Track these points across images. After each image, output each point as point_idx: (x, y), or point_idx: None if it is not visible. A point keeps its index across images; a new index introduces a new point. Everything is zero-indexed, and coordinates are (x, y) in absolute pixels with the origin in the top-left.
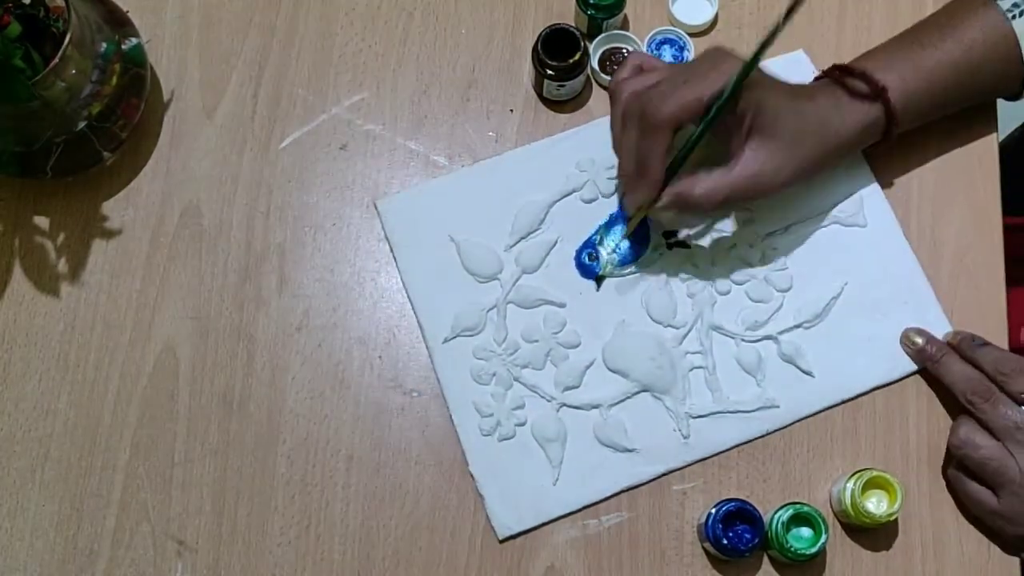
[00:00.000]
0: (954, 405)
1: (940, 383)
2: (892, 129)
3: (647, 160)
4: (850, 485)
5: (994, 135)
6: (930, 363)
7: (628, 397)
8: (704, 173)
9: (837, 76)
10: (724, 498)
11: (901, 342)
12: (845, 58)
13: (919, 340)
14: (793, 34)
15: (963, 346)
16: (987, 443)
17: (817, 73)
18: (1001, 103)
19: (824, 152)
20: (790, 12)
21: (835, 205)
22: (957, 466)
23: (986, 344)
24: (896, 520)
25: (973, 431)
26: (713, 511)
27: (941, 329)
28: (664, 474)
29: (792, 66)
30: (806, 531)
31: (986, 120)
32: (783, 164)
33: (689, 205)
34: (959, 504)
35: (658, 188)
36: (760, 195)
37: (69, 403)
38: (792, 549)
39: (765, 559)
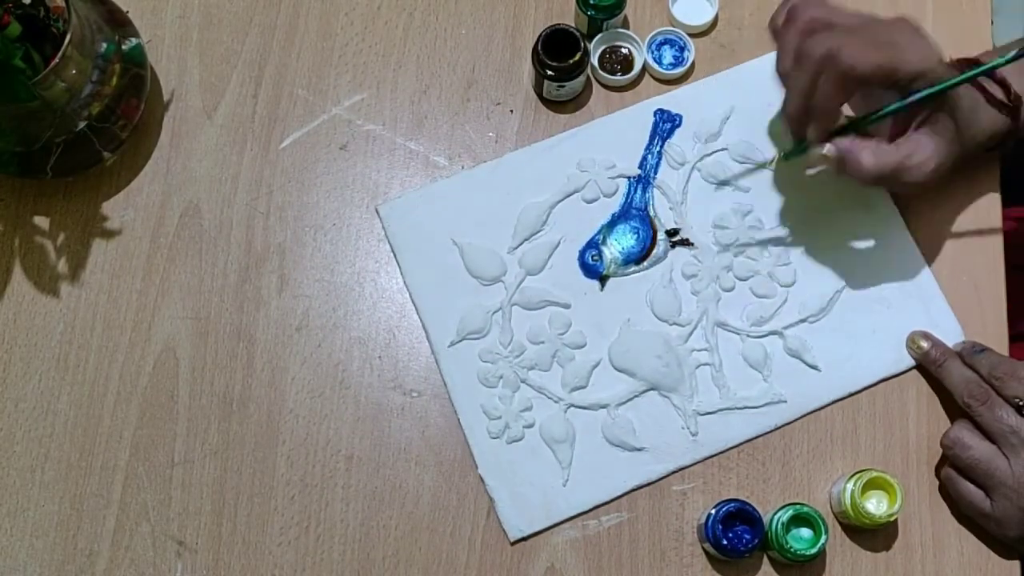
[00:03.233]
0: (954, 406)
1: (942, 386)
2: (1008, 141)
3: (823, 105)
4: (850, 486)
5: None
6: (933, 367)
7: (635, 396)
8: (873, 142)
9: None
10: (724, 498)
11: (907, 345)
12: None
13: (924, 344)
14: None
15: (963, 353)
16: (977, 444)
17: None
18: None
19: (964, 154)
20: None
21: (837, 199)
22: (951, 466)
23: (985, 350)
24: (896, 521)
25: (964, 431)
26: (713, 512)
27: (946, 320)
28: (674, 472)
29: None
30: (806, 532)
31: None
32: (944, 160)
33: (851, 168)
34: (951, 504)
35: (825, 135)
36: (915, 184)
37: (69, 403)
38: (792, 550)
39: (765, 560)
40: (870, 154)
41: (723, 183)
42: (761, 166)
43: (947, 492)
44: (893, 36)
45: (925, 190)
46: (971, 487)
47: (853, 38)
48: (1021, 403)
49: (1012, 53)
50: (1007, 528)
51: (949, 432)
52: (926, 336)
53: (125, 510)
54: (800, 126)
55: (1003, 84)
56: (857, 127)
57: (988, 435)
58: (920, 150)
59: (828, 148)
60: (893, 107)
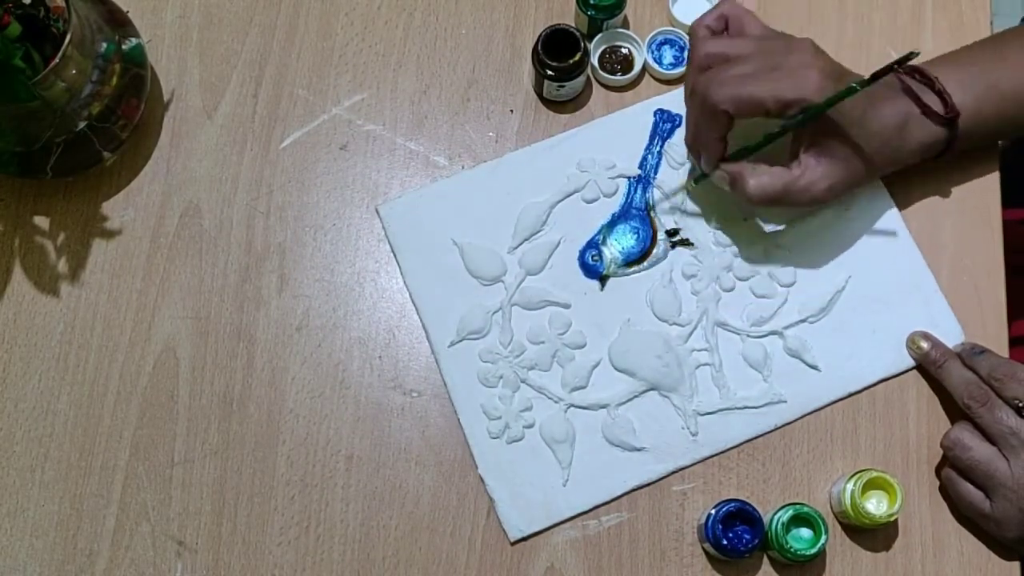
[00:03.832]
0: (954, 407)
1: (942, 386)
2: (948, 153)
3: (703, 138)
4: (850, 486)
5: None
6: (933, 368)
7: (635, 396)
8: (764, 166)
9: (913, 82)
10: (724, 498)
11: (907, 346)
12: (845, 51)
13: (924, 345)
14: (792, 30)
15: (963, 355)
16: (977, 445)
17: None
18: None
19: (879, 167)
20: (903, 60)
21: (838, 200)
22: (951, 467)
23: (985, 351)
24: (896, 521)
25: (965, 433)
26: (713, 512)
27: (946, 320)
28: (674, 472)
29: None
30: (806, 532)
31: None
32: (837, 181)
33: (739, 191)
34: (951, 504)
35: (713, 165)
36: (805, 205)
37: (69, 403)
38: (792, 550)
39: (765, 560)
40: (755, 179)
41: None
42: (683, 189)
43: (947, 492)
44: (782, 63)
45: (825, 205)
46: (971, 488)
47: (727, 73)
48: (1021, 404)
49: (862, 79)
50: (1006, 529)
51: (949, 433)
52: (926, 336)
53: (125, 510)
54: (695, 155)
55: (941, 96)
56: (746, 154)
57: (988, 436)
58: (807, 173)
59: (719, 173)
60: (753, 145)
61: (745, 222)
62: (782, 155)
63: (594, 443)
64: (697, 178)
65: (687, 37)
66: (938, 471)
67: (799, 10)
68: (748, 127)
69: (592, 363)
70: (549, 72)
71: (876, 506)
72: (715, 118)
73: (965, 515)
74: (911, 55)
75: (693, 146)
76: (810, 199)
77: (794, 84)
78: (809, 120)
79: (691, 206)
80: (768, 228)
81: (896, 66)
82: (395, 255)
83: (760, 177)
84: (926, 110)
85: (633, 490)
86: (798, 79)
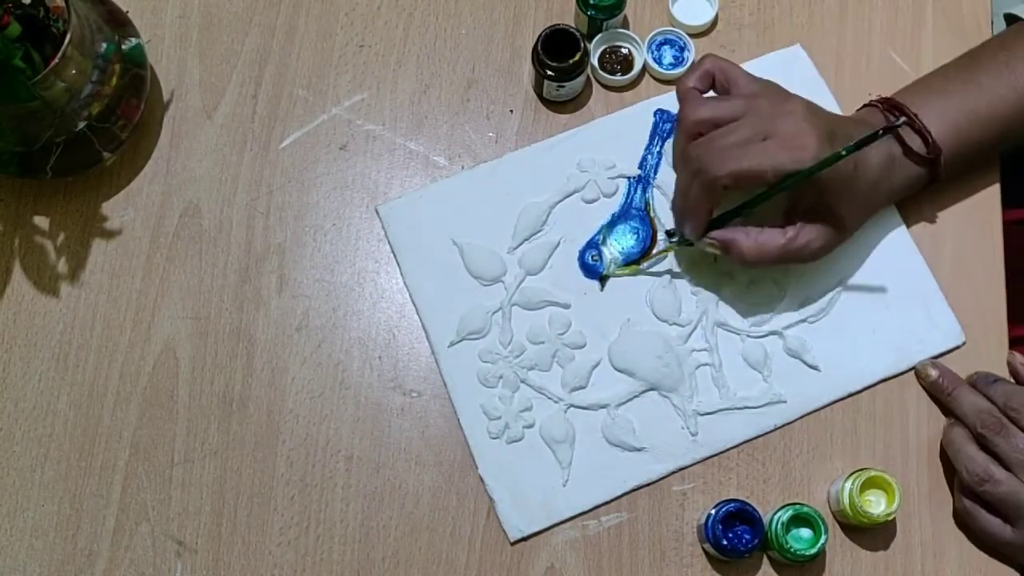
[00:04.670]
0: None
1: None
2: (933, 184)
3: (694, 206)
4: (848, 485)
5: None
6: (943, 396)
7: (635, 396)
8: (756, 229)
9: (894, 119)
10: (724, 499)
11: (916, 375)
12: (845, 55)
13: (933, 373)
14: (792, 30)
15: (978, 384)
16: (1005, 477)
17: (870, 99)
18: None
19: (870, 212)
20: (890, 129)
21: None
22: (970, 498)
23: (998, 379)
24: (895, 520)
25: (992, 467)
26: (713, 512)
27: (946, 320)
28: (674, 472)
29: (789, 61)
30: (806, 532)
31: None
32: (833, 239)
33: (734, 255)
34: (970, 535)
35: (702, 230)
36: (806, 262)
37: (69, 403)
38: (792, 550)
39: (765, 560)
40: (751, 243)
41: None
42: (667, 251)
43: (964, 524)
44: (777, 130)
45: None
46: (992, 518)
47: (722, 142)
48: None
49: (849, 145)
50: None
51: (975, 469)
52: (935, 365)
53: (125, 510)
54: (682, 221)
55: (922, 135)
56: (730, 218)
57: (1004, 464)
58: (803, 234)
59: (708, 242)
60: (754, 200)
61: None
62: (767, 214)
63: (594, 443)
64: (679, 242)
65: (687, 37)
66: (954, 508)
67: (799, 13)
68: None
69: (592, 363)
70: (549, 72)
71: (874, 505)
72: (711, 190)
73: (988, 544)
74: (897, 125)
75: (682, 214)
76: (808, 257)
77: (792, 155)
78: (797, 184)
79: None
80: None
81: (882, 132)
82: (395, 255)
83: (755, 241)
84: (907, 150)
85: (633, 490)
86: (796, 149)
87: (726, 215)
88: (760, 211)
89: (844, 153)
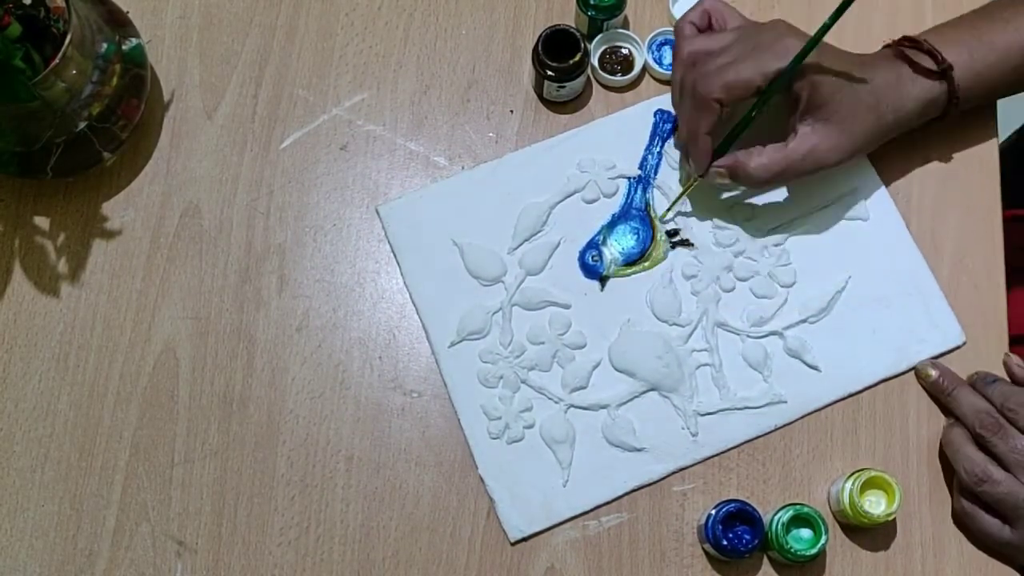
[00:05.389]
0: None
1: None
2: (952, 108)
3: (695, 132)
4: (848, 485)
5: (994, 137)
6: (943, 396)
7: (635, 396)
8: (759, 147)
9: (904, 48)
10: (724, 499)
11: (916, 375)
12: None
13: (933, 373)
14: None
15: (976, 384)
16: (1003, 478)
17: (885, 42)
18: (1001, 107)
19: (879, 128)
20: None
21: (837, 199)
22: (969, 498)
23: (996, 380)
24: (895, 520)
25: (990, 467)
26: (713, 512)
27: (946, 320)
28: (674, 472)
29: None
30: (806, 532)
31: (986, 122)
32: (837, 143)
33: (742, 178)
34: (968, 535)
35: (707, 158)
36: (813, 171)
37: (69, 403)
38: (792, 550)
39: (765, 560)
40: (756, 161)
41: (651, 207)
42: (684, 192)
43: (962, 524)
44: (753, 46)
45: (842, 166)
46: (990, 519)
47: (712, 63)
48: None
49: (835, 10)
50: None
51: (974, 470)
52: (935, 365)
53: (125, 510)
54: (688, 155)
55: (931, 54)
56: (729, 143)
57: (1003, 464)
58: (805, 141)
59: (714, 171)
60: (747, 114)
61: (747, 223)
62: (775, 138)
63: (594, 443)
64: (693, 182)
65: None
66: (952, 509)
67: (799, 13)
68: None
69: (592, 363)
70: (549, 72)
71: (874, 505)
72: (707, 109)
73: (987, 544)
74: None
75: (687, 143)
76: (814, 166)
77: (774, 55)
78: (786, 83)
79: (691, 206)
80: (770, 225)
81: (845, 4)
82: (395, 256)
83: (760, 158)
84: (917, 68)
85: (633, 490)
86: (777, 50)
87: (728, 139)
88: (767, 136)
89: (828, 22)
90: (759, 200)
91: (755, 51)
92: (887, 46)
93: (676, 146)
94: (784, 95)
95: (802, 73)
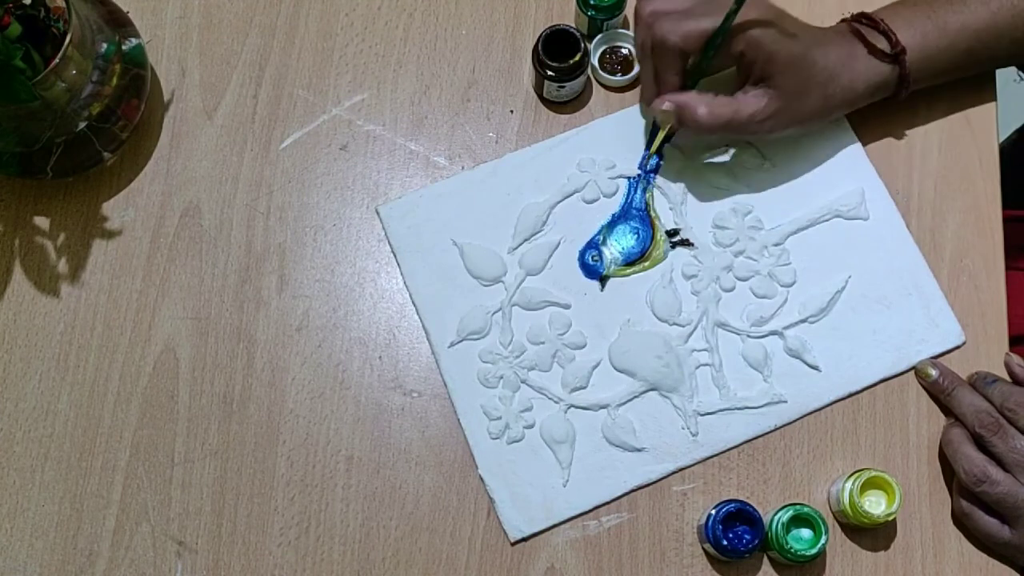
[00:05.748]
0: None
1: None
2: (902, 90)
3: (662, 76)
4: (848, 485)
5: (994, 136)
6: (942, 395)
7: (635, 396)
8: (709, 95)
9: (860, 26)
10: (724, 499)
11: (916, 374)
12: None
13: (933, 372)
14: None
15: (977, 384)
16: (1003, 479)
17: (843, 16)
18: (1001, 106)
19: (826, 107)
20: None
21: (836, 199)
22: (968, 499)
23: (996, 380)
24: (895, 520)
25: (990, 468)
26: (713, 512)
27: (946, 320)
28: (674, 472)
29: None
30: (806, 532)
31: (986, 121)
32: (781, 111)
33: (688, 119)
34: (967, 535)
35: (654, 93)
36: (755, 134)
37: (69, 403)
38: (792, 550)
39: (765, 560)
40: (704, 107)
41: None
42: (656, 144)
43: (961, 525)
44: (711, 2)
45: (778, 136)
46: (990, 519)
47: (672, 16)
48: None
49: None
50: None
51: (973, 470)
52: (935, 365)
53: (125, 510)
54: (644, 99)
55: (886, 35)
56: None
57: (1002, 464)
58: (748, 105)
59: (666, 104)
60: (696, 62)
61: (747, 223)
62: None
63: (594, 443)
64: (651, 137)
65: None
66: (952, 509)
67: (799, 13)
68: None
69: (592, 363)
70: (549, 72)
71: (875, 505)
72: (667, 55)
73: (986, 544)
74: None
75: (643, 88)
76: (755, 128)
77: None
78: (718, 47)
79: (691, 205)
80: (770, 225)
81: None
82: (395, 256)
83: (708, 107)
84: (872, 49)
85: (633, 490)
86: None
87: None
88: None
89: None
90: (759, 200)
91: (712, 4)
92: (844, 21)
93: (641, 113)
94: (743, 60)
95: (759, 43)
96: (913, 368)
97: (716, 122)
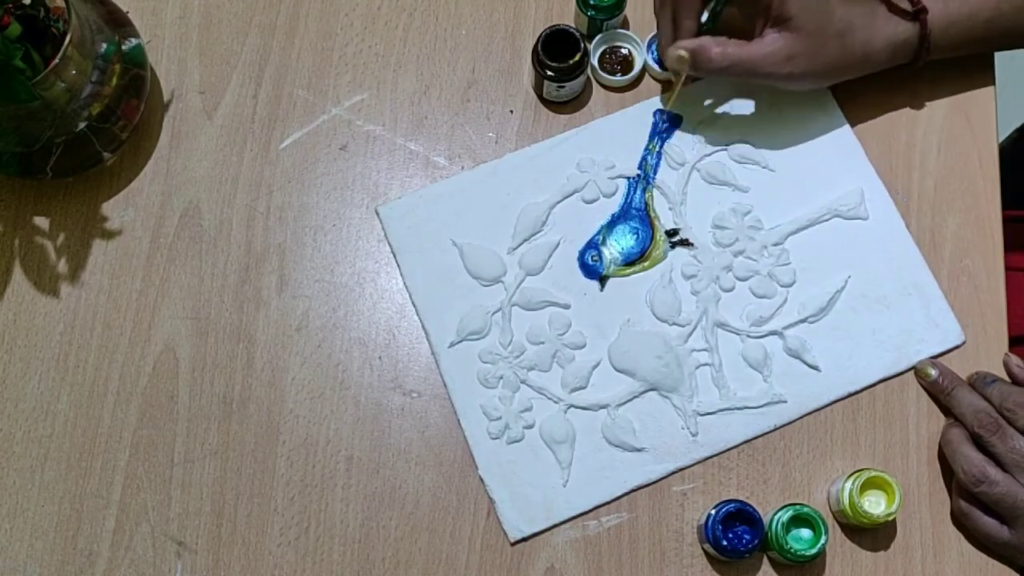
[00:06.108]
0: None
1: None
2: (922, 54)
3: (680, 22)
4: (848, 485)
5: (994, 136)
6: (942, 395)
7: (635, 396)
8: (724, 39)
9: None
10: (724, 499)
11: (915, 374)
12: None
13: (932, 372)
14: None
15: (976, 384)
16: (1002, 479)
17: None
18: (1001, 106)
19: (844, 59)
20: None
21: (836, 199)
22: (967, 499)
23: (996, 380)
24: (895, 520)
25: (988, 468)
26: (713, 512)
27: (946, 320)
28: (674, 472)
29: None
30: (806, 532)
31: (986, 121)
32: (797, 57)
33: (703, 61)
34: (967, 535)
35: (669, 40)
36: (771, 78)
37: (69, 403)
38: (792, 550)
39: (765, 560)
40: (718, 47)
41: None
42: (674, 91)
43: (961, 525)
44: None
45: (797, 85)
46: (989, 520)
47: None
48: None
49: None
50: None
51: (971, 471)
52: (935, 365)
53: (125, 510)
54: (666, 48)
55: None
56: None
57: (1001, 464)
58: (763, 46)
59: (678, 53)
60: (712, 8)
61: (747, 223)
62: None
63: (594, 443)
64: (673, 94)
65: None
66: (951, 508)
67: None
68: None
69: (592, 363)
70: (549, 72)
71: (874, 505)
72: (685, 3)
73: (985, 544)
74: None
75: (660, 31)
76: (769, 70)
77: None
78: None
79: (691, 205)
80: (769, 225)
81: None
82: (395, 256)
83: (723, 47)
84: (892, 7)
85: (633, 490)
86: None
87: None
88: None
89: None
90: (759, 200)
91: None
92: None
93: (656, 54)
94: (756, 2)
95: None
96: (913, 368)
97: (729, 63)
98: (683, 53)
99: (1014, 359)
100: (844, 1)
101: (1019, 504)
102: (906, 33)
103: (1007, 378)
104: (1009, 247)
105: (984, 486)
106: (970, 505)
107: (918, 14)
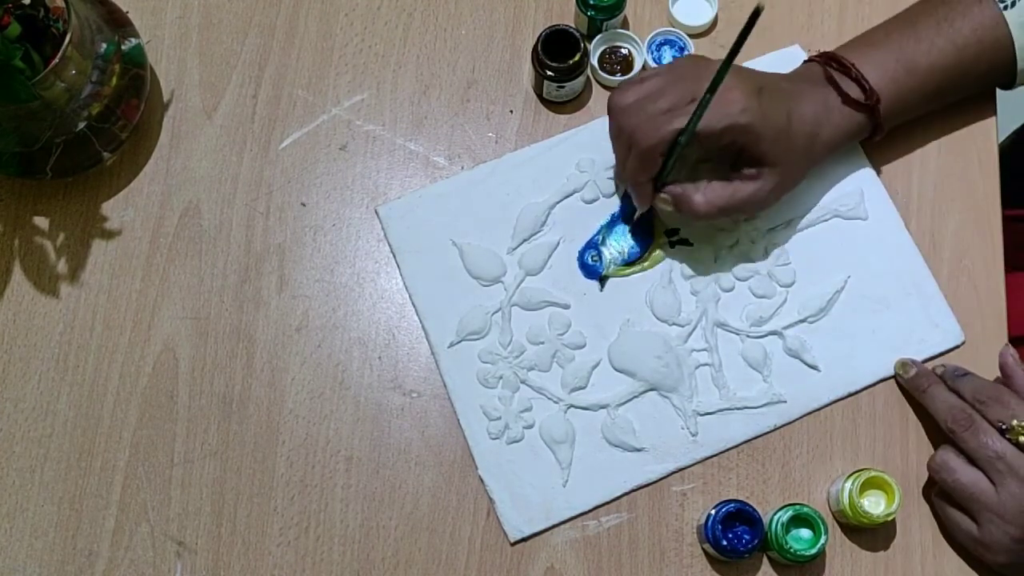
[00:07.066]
0: None
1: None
2: (876, 134)
3: (636, 178)
4: (848, 485)
5: (994, 136)
6: (918, 393)
7: (635, 396)
8: (705, 182)
9: (831, 70)
10: (724, 499)
11: (895, 372)
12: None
13: (910, 371)
14: (792, 30)
15: (946, 377)
16: (962, 468)
17: (810, 54)
18: (1000, 106)
19: (812, 161)
20: (747, 28)
21: (836, 199)
22: (939, 492)
23: (967, 374)
24: (895, 520)
25: (950, 456)
26: (713, 512)
27: (946, 320)
28: (673, 472)
29: (787, 60)
30: (806, 532)
31: (986, 121)
32: (778, 187)
33: (686, 210)
34: (943, 529)
35: (649, 200)
36: (756, 211)
37: (69, 403)
38: (792, 550)
39: (765, 560)
40: (700, 196)
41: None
42: (625, 225)
43: (937, 516)
44: (699, 90)
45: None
46: (958, 513)
47: (644, 115)
48: (1004, 427)
49: (736, 38)
50: (995, 554)
51: (935, 456)
52: (913, 363)
53: (125, 510)
54: (631, 191)
55: (858, 82)
56: (663, 176)
57: (974, 461)
58: (748, 184)
59: (663, 198)
60: (673, 159)
61: (747, 223)
62: (716, 174)
63: (594, 443)
64: (634, 215)
65: (687, 38)
66: (927, 495)
67: (799, 13)
68: None
69: (592, 363)
70: (549, 72)
71: (874, 505)
72: (649, 160)
73: (956, 540)
74: (757, 11)
75: (629, 186)
76: (756, 206)
77: (720, 112)
78: (705, 106)
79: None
80: (769, 225)
81: (747, 28)
82: (394, 256)
83: (706, 194)
84: (846, 99)
85: (633, 490)
86: (722, 105)
87: (663, 170)
88: (708, 171)
89: (732, 48)
90: None
91: (678, 103)
92: (812, 60)
93: (615, 177)
94: (726, 148)
95: (744, 129)
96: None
97: (715, 209)
98: (666, 198)
99: (1011, 351)
100: (799, 103)
101: (979, 496)
102: (859, 121)
103: (999, 371)
104: (1009, 247)
105: (943, 473)
106: (940, 501)
107: (873, 104)
